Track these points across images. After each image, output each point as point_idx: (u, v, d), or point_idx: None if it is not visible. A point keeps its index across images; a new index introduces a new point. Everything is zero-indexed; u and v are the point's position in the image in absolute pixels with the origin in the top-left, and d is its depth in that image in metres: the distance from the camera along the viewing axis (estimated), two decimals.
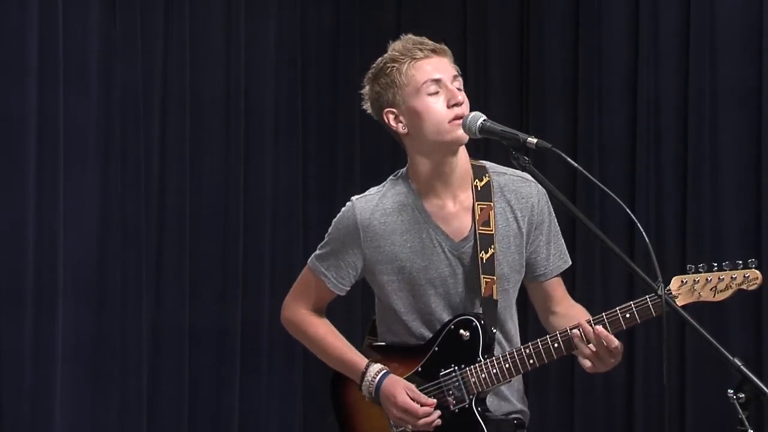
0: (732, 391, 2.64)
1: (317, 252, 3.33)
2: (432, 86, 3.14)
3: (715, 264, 3.02)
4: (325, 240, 3.31)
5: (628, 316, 3.04)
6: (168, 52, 5.69)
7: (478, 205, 3.21)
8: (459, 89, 3.17)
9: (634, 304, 3.04)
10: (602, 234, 2.90)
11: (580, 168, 2.87)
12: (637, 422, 5.87)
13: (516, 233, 3.24)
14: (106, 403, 5.45)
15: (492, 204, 3.22)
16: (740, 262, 3.03)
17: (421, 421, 3.16)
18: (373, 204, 3.24)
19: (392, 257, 3.21)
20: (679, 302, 3.00)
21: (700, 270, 3.00)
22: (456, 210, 3.22)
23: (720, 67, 5.71)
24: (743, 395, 2.63)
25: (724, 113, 5.70)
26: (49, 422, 5.20)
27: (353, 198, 3.28)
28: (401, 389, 3.18)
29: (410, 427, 3.18)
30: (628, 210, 2.87)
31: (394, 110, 3.18)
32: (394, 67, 3.16)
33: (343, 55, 6.27)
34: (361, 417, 3.29)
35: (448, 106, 3.14)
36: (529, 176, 3.20)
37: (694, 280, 3.01)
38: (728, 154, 5.70)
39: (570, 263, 3.35)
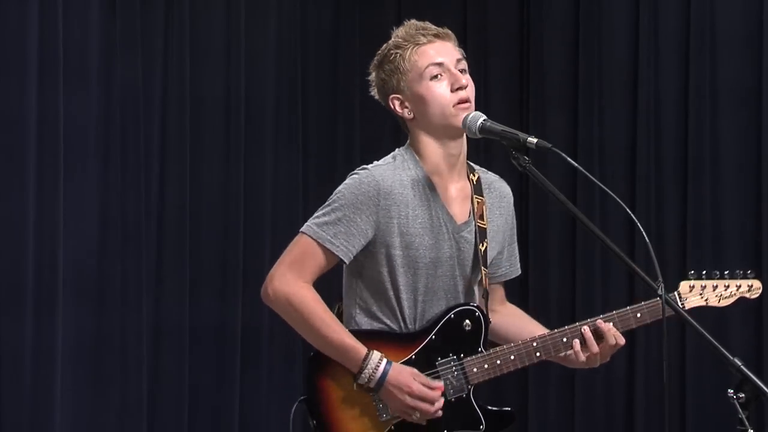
0: (732, 391, 2.65)
1: (318, 220, 3.12)
2: (435, 70, 3.15)
3: (717, 272, 3.23)
4: (332, 207, 3.12)
5: (639, 315, 3.16)
6: (168, 52, 5.69)
7: (475, 197, 3.23)
8: (463, 70, 3.18)
9: (645, 304, 3.15)
10: (602, 234, 2.91)
11: (580, 168, 2.89)
12: (637, 422, 5.87)
13: (501, 230, 3.28)
14: (106, 403, 5.44)
15: (484, 199, 3.25)
16: (740, 271, 3.25)
17: (435, 407, 3.09)
18: (391, 173, 3.15)
19: (403, 230, 3.13)
20: (688, 305, 3.19)
21: (703, 276, 3.20)
22: (456, 195, 3.22)
23: (720, 67, 5.71)
24: (743, 395, 2.64)
25: (724, 113, 5.70)
26: (49, 422, 5.19)
27: (367, 167, 3.18)
28: (411, 377, 3.10)
29: (417, 415, 3.10)
30: (628, 210, 2.89)
31: (399, 96, 3.19)
32: (397, 53, 3.18)
33: (343, 55, 6.27)
34: (342, 404, 3.18)
35: (452, 90, 3.14)
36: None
37: (702, 286, 3.21)
38: (728, 154, 5.70)
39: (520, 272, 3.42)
